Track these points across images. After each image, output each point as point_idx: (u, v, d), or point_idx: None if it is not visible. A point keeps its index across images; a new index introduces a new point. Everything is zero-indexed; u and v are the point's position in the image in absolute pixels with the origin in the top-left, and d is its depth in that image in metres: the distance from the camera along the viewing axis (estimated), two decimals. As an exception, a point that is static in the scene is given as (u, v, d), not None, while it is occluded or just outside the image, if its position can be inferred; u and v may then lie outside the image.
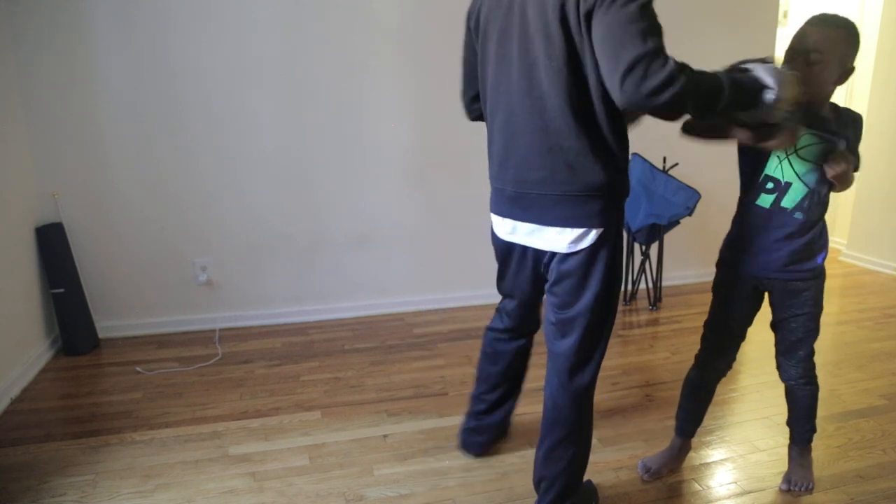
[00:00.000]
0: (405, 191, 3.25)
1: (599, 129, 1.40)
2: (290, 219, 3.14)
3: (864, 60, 4.32)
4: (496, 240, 1.72)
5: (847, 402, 2.38)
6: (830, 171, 1.51)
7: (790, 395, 1.81)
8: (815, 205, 1.61)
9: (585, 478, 1.73)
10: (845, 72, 1.52)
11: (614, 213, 1.48)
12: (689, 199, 3.05)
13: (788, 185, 1.59)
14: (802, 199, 1.59)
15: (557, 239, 1.49)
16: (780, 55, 1.54)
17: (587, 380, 1.57)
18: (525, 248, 1.62)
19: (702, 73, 1.27)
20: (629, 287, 3.50)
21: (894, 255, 3.97)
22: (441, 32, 3.08)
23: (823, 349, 2.86)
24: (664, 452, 1.96)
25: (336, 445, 2.11)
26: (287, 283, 3.22)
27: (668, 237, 3.35)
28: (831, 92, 1.56)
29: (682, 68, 1.21)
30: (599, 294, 1.50)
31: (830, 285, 3.80)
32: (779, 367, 1.79)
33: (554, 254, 1.53)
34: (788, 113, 1.40)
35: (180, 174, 2.96)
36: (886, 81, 3.96)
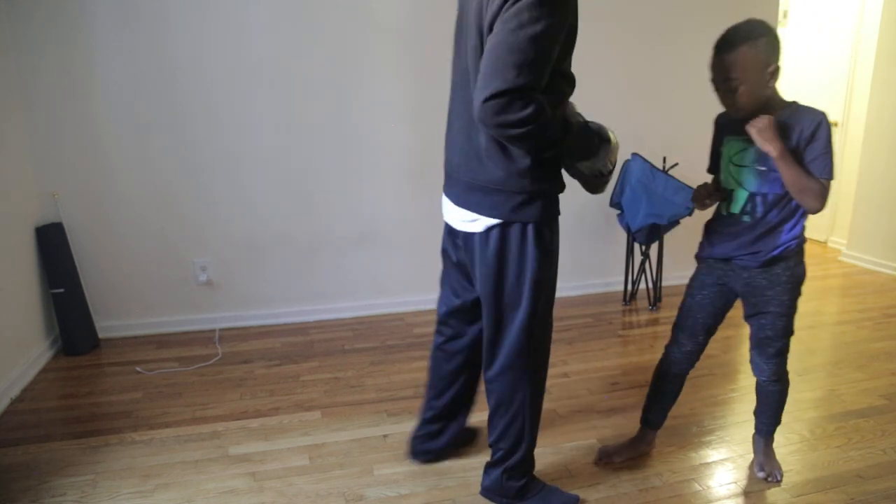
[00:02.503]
0: (405, 190, 3.25)
1: None
2: (289, 219, 3.14)
3: (864, 60, 4.32)
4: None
5: (847, 402, 2.38)
6: (751, 128, 1.53)
7: (760, 389, 1.85)
8: (760, 206, 1.63)
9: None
10: (771, 73, 1.52)
11: (520, 209, 1.50)
12: (688, 199, 3.04)
13: (733, 192, 1.68)
14: (745, 203, 1.65)
15: (462, 219, 1.59)
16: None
17: (499, 367, 1.64)
18: (450, 228, 1.71)
19: (555, 117, 1.38)
20: (629, 287, 3.50)
21: (894, 255, 3.97)
22: (441, 32, 3.07)
23: (823, 349, 2.87)
24: (628, 442, 2.01)
25: (336, 445, 2.11)
26: (287, 283, 3.22)
27: (668, 237, 3.35)
28: (768, 96, 1.55)
29: (539, 115, 1.29)
30: (504, 284, 1.57)
31: (830, 285, 3.83)
32: (751, 361, 1.82)
33: (464, 235, 1.62)
34: (612, 168, 1.56)
35: (180, 174, 2.96)
36: (886, 81, 3.96)
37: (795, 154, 1.54)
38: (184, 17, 2.81)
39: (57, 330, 2.87)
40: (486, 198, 1.52)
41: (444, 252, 1.80)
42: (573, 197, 3.41)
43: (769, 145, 1.50)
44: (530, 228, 1.52)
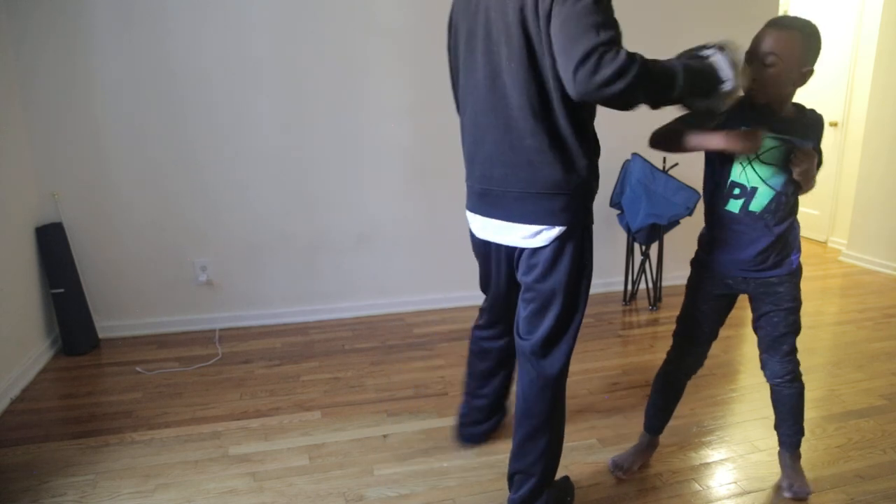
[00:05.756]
0: (405, 191, 3.25)
1: (559, 129, 1.42)
2: (290, 219, 3.14)
3: (864, 60, 4.32)
4: (472, 237, 1.77)
5: (847, 402, 2.38)
6: (796, 169, 1.54)
7: (776, 395, 1.81)
8: (783, 206, 1.63)
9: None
10: (803, 73, 1.52)
11: (579, 212, 1.50)
12: (689, 199, 3.05)
13: (755, 189, 1.63)
14: (769, 203, 1.62)
15: (521, 235, 1.52)
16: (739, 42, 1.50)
17: (555, 370, 1.59)
18: (498, 245, 1.65)
19: (655, 64, 1.29)
20: (629, 287, 3.50)
21: (894, 255, 3.97)
22: (441, 32, 3.05)
23: (823, 349, 2.87)
24: (633, 449, 1.98)
25: (336, 445, 2.11)
26: (287, 283, 3.22)
27: (668, 237, 3.35)
28: (790, 93, 1.58)
29: (634, 58, 1.23)
30: (565, 289, 1.53)
31: (830, 285, 3.83)
32: (763, 367, 1.79)
33: (522, 249, 1.56)
34: (733, 103, 1.45)
35: (180, 174, 2.96)
36: (886, 81, 3.96)
37: None
38: (184, 18, 2.81)
39: (57, 330, 2.87)
40: (545, 204, 1.46)
41: (490, 272, 1.79)
42: (573, 197, 3.43)
43: (812, 180, 1.57)
44: (586, 231, 1.53)
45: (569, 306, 1.56)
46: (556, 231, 1.48)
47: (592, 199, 1.54)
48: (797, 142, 1.57)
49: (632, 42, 3.17)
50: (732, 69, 1.37)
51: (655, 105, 1.37)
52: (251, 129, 3.00)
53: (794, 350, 1.75)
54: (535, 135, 1.42)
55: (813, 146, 1.57)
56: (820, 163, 1.62)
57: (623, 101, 1.28)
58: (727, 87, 1.37)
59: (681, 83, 1.32)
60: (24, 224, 2.71)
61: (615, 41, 1.23)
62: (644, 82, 1.24)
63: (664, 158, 3.27)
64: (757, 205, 1.63)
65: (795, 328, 1.73)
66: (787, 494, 1.83)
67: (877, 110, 4.02)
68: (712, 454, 2.05)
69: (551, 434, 1.62)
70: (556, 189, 1.45)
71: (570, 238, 1.50)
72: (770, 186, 1.61)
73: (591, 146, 1.49)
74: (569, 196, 1.46)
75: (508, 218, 1.53)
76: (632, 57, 1.22)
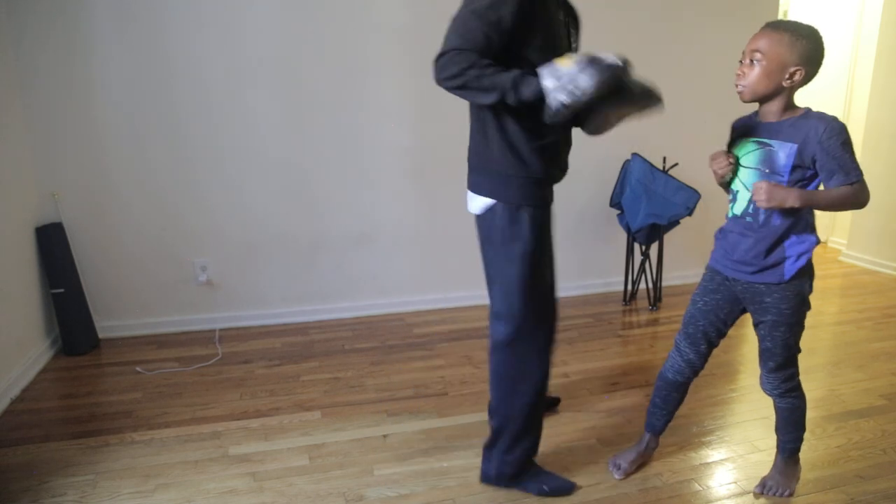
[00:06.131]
0: (405, 190, 3.25)
1: (481, 115, 1.64)
2: (290, 219, 3.14)
3: (864, 60, 4.33)
4: None
5: (847, 402, 2.38)
6: (755, 196, 1.53)
7: (774, 405, 1.79)
8: (765, 209, 1.59)
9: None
10: (791, 73, 1.51)
11: (505, 189, 1.64)
12: (689, 199, 3.05)
13: (737, 192, 1.66)
14: (748, 205, 1.63)
15: (469, 200, 1.74)
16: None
17: (499, 337, 1.73)
18: None
19: (490, 73, 1.47)
20: (629, 287, 3.50)
21: (894, 255, 3.97)
22: (441, 32, 3.07)
23: (823, 349, 2.87)
24: (633, 449, 1.98)
25: (336, 445, 2.11)
26: (287, 283, 3.22)
27: (668, 237, 3.35)
28: (781, 94, 1.55)
29: (472, 67, 1.45)
30: (496, 262, 1.70)
31: (830, 285, 3.83)
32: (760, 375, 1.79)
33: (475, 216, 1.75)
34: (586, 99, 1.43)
35: (180, 174, 2.96)
36: (886, 81, 3.96)
37: (807, 158, 1.52)
38: (183, 18, 2.81)
39: (57, 330, 2.87)
40: (477, 177, 1.69)
41: None
42: (574, 197, 3.43)
43: (787, 203, 1.51)
44: (519, 210, 1.64)
45: (506, 282, 1.69)
46: (481, 201, 1.67)
47: (521, 181, 1.63)
48: (775, 144, 1.56)
49: (632, 42, 3.15)
50: (552, 74, 1.44)
51: (485, 102, 1.52)
52: (251, 128, 3.00)
53: (781, 367, 1.69)
54: (472, 120, 1.69)
55: (798, 147, 1.52)
56: (855, 177, 1.54)
57: (463, 96, 1.54)
58: (545, 83, 1.45)
59: (500, 96, 1.48)
60: (24, 224, 2.71)
61: (464, 50, 1.46)
62: (471, 87, 1.48)
63: (664, 158, 3.27)
64: (738, 207, 1.66)
65: (784, 345, 1.66)
66: (755, 489, 1.85)
67: (877, 110, 4.03)
68: (712, 454, 2.05)
69: (501, 395, 1.76)
70: (479, 164, 1.68)
71: (498, 213, 1.65)
72: (748, 189, 1.62)
73: (517, 132, 1.60)
74: (488, 173, 1.66)
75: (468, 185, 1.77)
76: (469, 66, 1.45)
